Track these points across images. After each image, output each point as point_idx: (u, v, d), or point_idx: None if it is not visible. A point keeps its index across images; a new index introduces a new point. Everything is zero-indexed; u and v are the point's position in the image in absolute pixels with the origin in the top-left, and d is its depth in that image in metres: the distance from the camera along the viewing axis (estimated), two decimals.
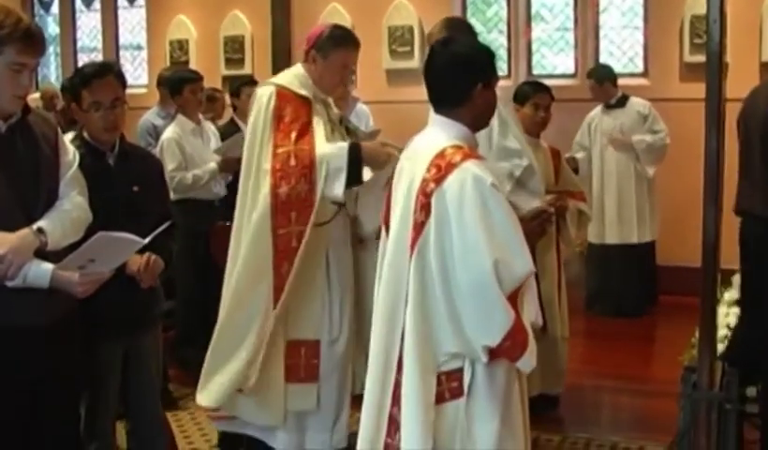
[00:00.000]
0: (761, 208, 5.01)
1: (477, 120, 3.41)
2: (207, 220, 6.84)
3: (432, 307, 3.18)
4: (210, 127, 7.44)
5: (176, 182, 6.97)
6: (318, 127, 4.72)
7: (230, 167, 6.72)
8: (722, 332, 5.66)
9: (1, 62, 3.42)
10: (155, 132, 7.86)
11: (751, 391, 4.48)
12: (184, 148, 7.04)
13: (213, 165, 7.01)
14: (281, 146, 4.61)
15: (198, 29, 11.53)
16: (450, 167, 3.17)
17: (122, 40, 12.47)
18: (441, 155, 3.23)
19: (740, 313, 5.36)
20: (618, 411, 6.31)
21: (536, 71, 10.23)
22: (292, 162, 4.56)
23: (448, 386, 3.21)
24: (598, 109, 8.86)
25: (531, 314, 3.23)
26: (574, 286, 8.18)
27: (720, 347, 5.56)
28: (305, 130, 4.68)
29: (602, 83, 8.77)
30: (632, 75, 9.67)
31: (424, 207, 3.19)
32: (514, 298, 3.13)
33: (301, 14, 10.74)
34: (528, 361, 3.18)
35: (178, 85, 7.15)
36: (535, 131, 5.73)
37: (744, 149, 5.15)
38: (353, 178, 4.58)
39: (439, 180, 3.17)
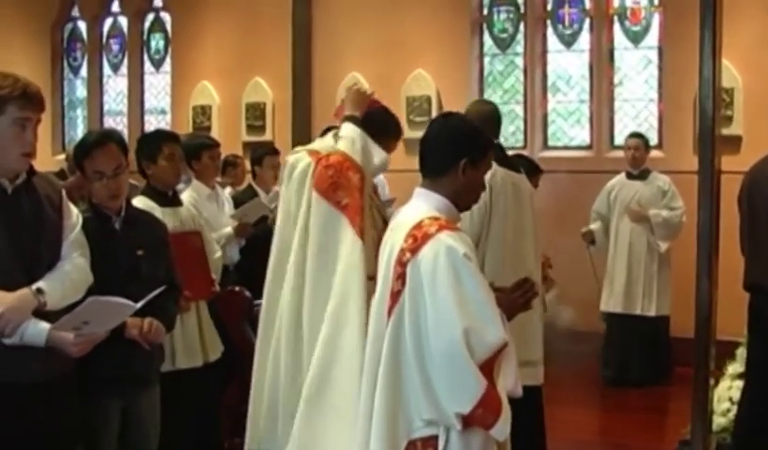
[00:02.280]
0: None
1: (459, 196, 3.44)
2: (221, 285, 6.90)
3: (406, 374, 3.22)
4: (224, 193, 7.54)
5: None
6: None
7: (245, 232, 6.82)
8: (724, 406, 5.67)
9: (5, 120, 3.55)
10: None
11: None
12: (200, 213, 7.13)
13: (228, 229, 7.09)
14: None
15: (220, 95, 11.72)
16: (426, 237, 3.23)
17: (147, 105, 12.72)
18: (418, 225, 3.29)
19: (744, 387, 5.35)
20: None
21: (551, 142, 10.33)
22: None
23: None
24: (621, 177, 8.84)
25: (509, 384, 3.25)
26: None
27: (723, 420, 5.58)
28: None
29: (648, 149, 8.89)
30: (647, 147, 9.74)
31: (400, 276, 3.26)
32: (489, 367, 3.16)
33: (321, 82, 10.95)
34: (502, 429, 3.18)
35: (196, 151, 7.23)
36: None
37: (749, 224, 5.18)
38: None
39: (415, 250, 3.23)
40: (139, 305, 3.77)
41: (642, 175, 8.73)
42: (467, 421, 3.14)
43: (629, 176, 8.78)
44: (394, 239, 3.38)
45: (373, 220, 4.42)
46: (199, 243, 5.59)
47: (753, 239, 5.15)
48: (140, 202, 5.27)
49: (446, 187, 3.41)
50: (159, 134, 5.73)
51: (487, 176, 3.79)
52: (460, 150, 3.40)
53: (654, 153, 9.61)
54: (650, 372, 8.36)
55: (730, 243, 5.22)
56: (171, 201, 5.49)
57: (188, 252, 5.41)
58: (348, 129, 4.42)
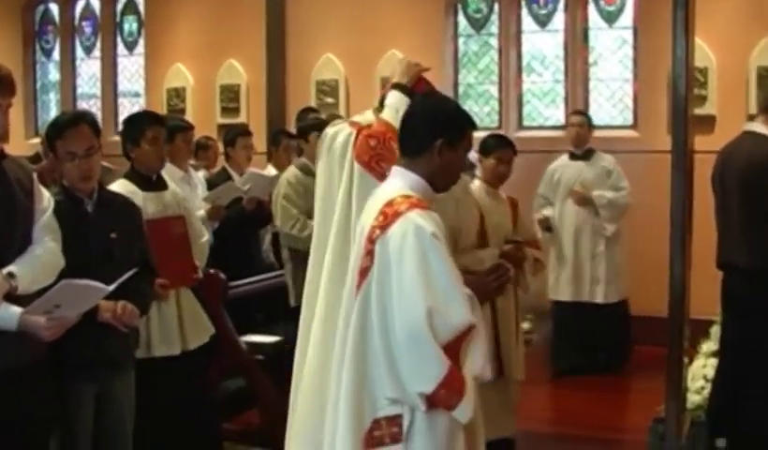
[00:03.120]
0: (743, 261, 5.07)
1: (435, 177, 3.42)
2: None
3: (371, 353, 3.21)
4: (197, 175, 7.51)
5: None
6: None
7: (219, 215, 6.78)
8: (699, 384, 5.71)
9: None
10: None
11: (721, 442, 4.48)
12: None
13: (201, 212, 7.06)
14: None
15: (194, 77, 11.66)
16: (396, 215, 3.22)
17: (120, 87, 12.63)
18: (390, 203, 3.28)
19: (717, 364, 5.40)
20: None
21: (526, 122, 10.33)
22: None
23: (388, 431, 3.21)
24: (563, 159, 8.47)
25: (476, 366, 3.25)
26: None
27: (697, 398, 5.62)
28: None
29: (591, 128, 8.48)
30: (622, 127, 9.77)
31: (369, 253, 3.25)
32: (455, 348, 3.15)
33: (295, 63, 10.93)
34: (465, 411, 3.17)
35: (170, 134, 7.21)
36: (495, 183, 5.84)
37: (720, 203, 5.23)
38: None
39: (384, 227, 3.23)
40: (111, 288, 3.75)
41: (586, 156, 8.33)
42: (431, 401, 3.14)
43: (572, 157, 8.40)
44: (367, 216, 3.37)
45: None
46: (183, 228, 5.49)
47: (724, 218, 5.21)
48: (121, 185, 5.24)
49: (422, 168, 3.39)
50: (143, 116, 5.63)
51: None
52: (436, 130, 3.38)
53: (629, 132, 9.67)
54: (611, 358, 8.19)
55: (703, 222, 5.25)
56: (155, 185, 5.39)
57: (170, 238, 5.36)
58: (395, 98, 4.24)
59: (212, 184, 7.36)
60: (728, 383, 5.17)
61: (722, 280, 5.23)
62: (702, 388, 5.58)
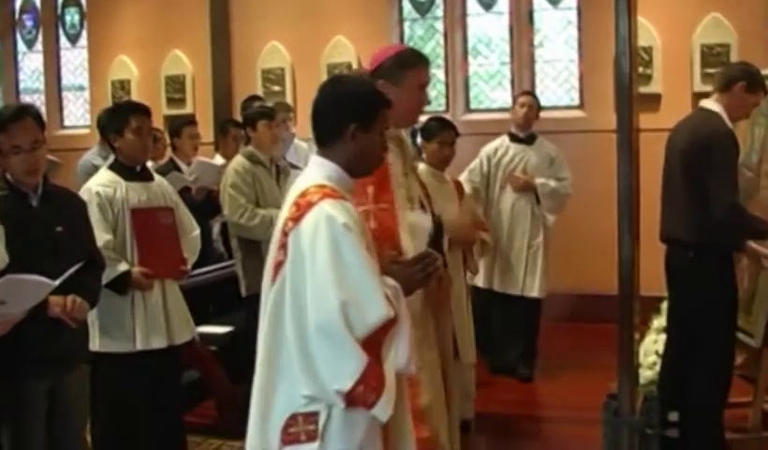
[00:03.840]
0: (685, 235, 5.15)
1: (351, 163, 3.30)
2: None
3: (286, 348, 3.10)
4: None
5: None
6: (398, 190, 4.14)
7: None
8: (651, 359, 5.77)
9: None
10: (96, 172, 7.85)
11: (674, 415, 4.51)
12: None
13: None
14: (358, 204, 3.94)
15: (139, 69, 11.56)
16: (308, 206, 3.11)
17: (64, 81, 12.50)
18: (303, 193, 3.18)
19: (666, 339, 5.46)
20: (546, 438, 6.37)
21: (473, 105, 10.37)
22: (372, 225, 3.95)
23: (304, 428, 3.11)
24: (503, 140, 7.81)
25: (400, 361, 3.13)
26: None
27: (650, 373, 5.68)
28: (383, 183, 4.08)
29: (538, 111, 7.94)
30: (568, 108, 9.83)
31: (283, 247, 3.14)
32: (377, 343, 3.05)
33: (240, 53, 10.87)
34: (384, 409, 3.06)
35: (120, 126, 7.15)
36: (440, 166, 5.85)
37: (665, 179, 5.30)
38: None
39: (297, 219, 3.12)
40: (57, 282, 3.71)
41: (529, 140, 7.79)
42: (348, 399, 3.02)
43: (514, 139, 7.78)
44: (284, 208, 3.27)
45: None
46: (171, 220, 5.46)
47: (667, 193, 5.34)
48: (104, 175, 5.28)
49: (338, 155, 3.28)
50: (128, 106, 5.58)
51: None
52: (347, 115, 3.27)
53: (575, 113, 9.73)
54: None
55: (651, 200, 5.30)
56: (140, 175, 5.37)
57: (157, 228, 5.35)
58: None
59: (159, 174, 7.29)
60: (676, 357, 5.24)
61: (666, 255, 5.32)
62: (654, 363, 5.65)
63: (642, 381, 5.72)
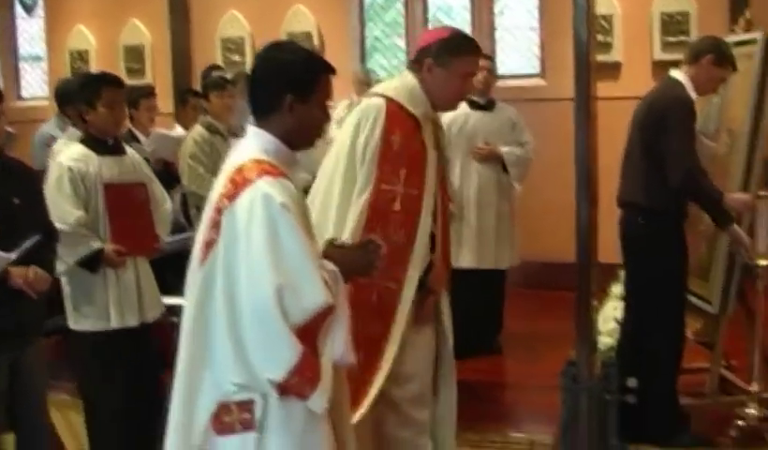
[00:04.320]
0: (641, 199, 5.19)
1: (290, 135, 3.13)
2: None
3: (215, 333, 2.95)
4: None
5: None
6: (430, 169, 4.10)
7: None
8: (611, 325, 5.82)
9: None
10: (53, 144, 7.78)
11: (632, 381, 4.56)
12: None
13: None
14: (387, 183, 3.99)
15: (97, 39, 11.46)
16: (245, 183, 2.94)
17: (21, 51, 12.39)
18: (239, 169, 3.00)
19: (624, 306, 5.51)
20: (507, 405, 6.40)
21: None
22: (396, 207, 3.97)
23: (239, 417, 2.96)
24: (463, 109, 7.26)
25: (337, 351, 3.02)
26: None
27: (609, 340, 5.73)
28: (416, 167, 4.05)
29: (495, 77, 7.76)
30: (529, 76, 9.83)
31: (216, 225, 2.97)
32: (312, 331, 2.92)
33: (199, 22, 10.79)
34: (318, 401, 2.94)
35: (70, 96, 7.09)
36: None
37: (627, 144, 5.36)
38: None
39: (232, 197, 2.94)
40: (14, 256, 3.69)
41: (489, 106, 7.51)
42: (282, 389, 2.90)
43: (474, 106, 7.43)
44: (219, 182, 3.09)
45: None
46: (144, 195, 5.39)
47: (625, 159, 5.43)
48: (75, 150, 5.18)
49: (275, 127, 3.11)
50: (100, 78, 5.42)
51: None
52: (283, 86, 3.09)
53: (536, 81, 9.73)
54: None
55: (612, 169, 5.34)
56: (112, 149, 5.27)
57: (129, 205, 5.28)
58: None
59: None
60: (633, 324, 5.29)
61: (620, 219, 5.37)
62: (614, 330, 5.69)
63: (601, 347, 5.75)
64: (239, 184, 2.95)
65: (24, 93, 12.31)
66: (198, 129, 6.54)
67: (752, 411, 5.37)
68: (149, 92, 8.00)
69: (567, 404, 4.61)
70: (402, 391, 4.09)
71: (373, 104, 4.07)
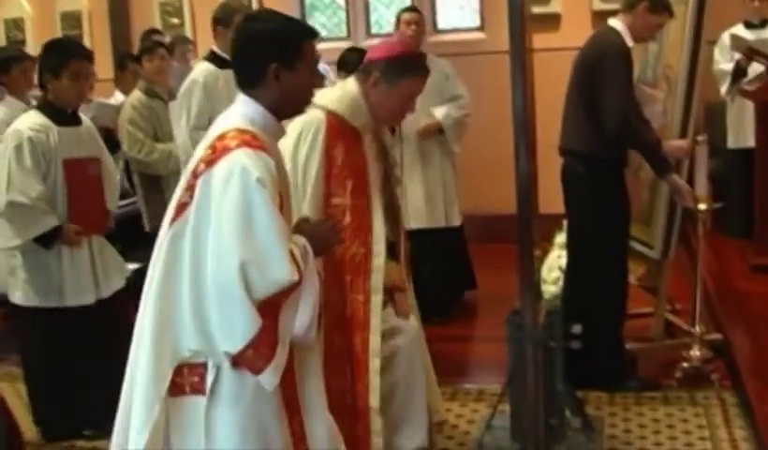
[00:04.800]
0: (581, 147, 5.24)
1: (279, 104, 3.12)
2: None
3: (177, 297, 2.96)
4: None
5: None
6: (373, 179, 4.17)
7: None
8: (555, 274, 5.85)
9: None
10: None
11: (576, 328, 4.62)
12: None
13: None
14: (336, 196, 4.06)
15: (33, 6, 11.22)
16: (224, 151, 2.93)
17: None
18: (221, 136, 3.00)
19: (567, 254, 5.55)
20: (458, 357, 6.44)
21: (374, 30, 10.26)
22: (347, 219, 4.03)
23: (189, 380, 2.98)
24: None
25: (301, 326, 3.01)
26: None
27: (554, 288, 5.77)
28: (360, 178, 4.11)
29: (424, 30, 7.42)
30: (468, 30, 9.80)
31: (190, 188, 2.97)
32: (274, 305, 2.91)
33: None
34: (271, 377, 2.93)
35: (5, 65, 6.98)
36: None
37: (567, 93, 5.39)
38: None
39: (210, 163, 2.94)
40: None
41: None
42: (236, 360, 2.92)
43: None
44: (199, 147, 3.10)
45: None
46: (97, 170, 5.32)
47: (565, 108, 5.45)
48: (32, 117, 5.12)
49: (263, 97, 3.10)
50: (68, 48, 5.31)
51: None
52: (266, 55, 3.07)
53: (475, 34, 9.70)
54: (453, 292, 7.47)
55: (551, 120, 5.37)
56: (70, 119, 5.20)
57: (85, 181, 5.22)
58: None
59: None
60: (576, 271, 5.33)
61: (561, 168, 5.41)
62: (558, 279, 5.72)
63: (546, 296, 5.80)
64: (218, 150, 2.94)
65: None
66: (136, 94, 6.48)
67: (696, 352, 5.46)
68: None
69: (512, 353, 4.67)
70: None
71: (314, 118, 4.06)
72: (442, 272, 7.09)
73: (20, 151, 4.99)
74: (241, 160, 2.89)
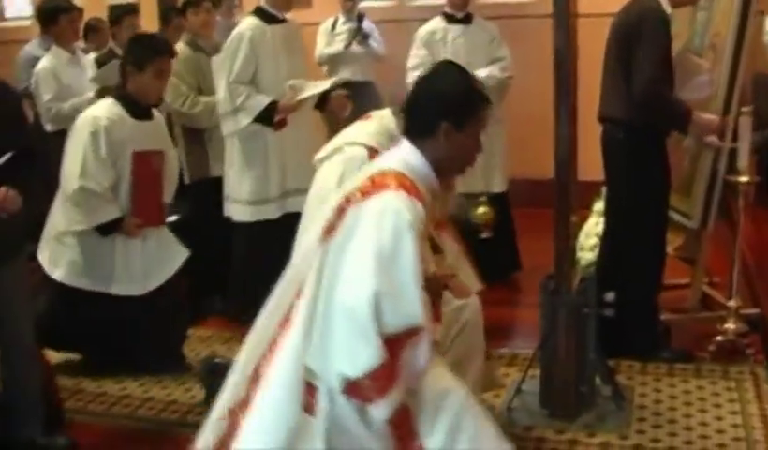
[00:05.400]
0: (620, 114, 5.19)
1: (441, 162, 3.20)
2: None
3: (315, 313, 3.01)
4: (86, 58, 7.37)
5: (53, 113, 6.97)
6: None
7: (107, 96, 6.65)
8: (592, 241, 5.85)
9: None
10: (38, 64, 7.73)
11: (610, 296, 4.61)
12: (60, 79, 6.98)
13: (90, 94, 6.94)
14: None
15: None
16: (383, 187, 3.02)
17: None
18: (382, 173, 3.09)
19: (604, 221, 5.54)
20: (489, 321, 6.42)
21: None
22: None
23: (305, 399, 3.01)
24: (438, 22, 7.05)
25: (416, 370, 2.97)
26: None
27: (591, 255, 5.77)
28: None
29: None
30: None
31: (341, 212, 3.06)
32: (399, 344, 2.89)
33: None
34: (384, 410, 2.90)
35: (53, 15, 7.06)
36: None
37: (605, 59, 5.33)
38: None
39: (366, 194, 3.02)
40: None
41: (467, 19, 7.05)
42: (349, 387, 2.89)
43: (451, 19, 7.02)
44: (357, 177, 3.20)
45: None
46: (160, 163, 5.45)
47: (604, 74, 5.35)
48: (108, 107, 5.26)
49: (429, 152, 3.18)
50: (156, 45, 5.40)
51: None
52: (439, 113, 3.16)
53: None
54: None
55: (592, 87, 5.31)
56: (145, 113, 5.37)
57: (149, 173, 5.35)
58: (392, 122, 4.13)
59: (100, 64, 7.22)
60: (613, 238, 5.32)
61: (602, 135, 5.36)
62: (595, 246, 5.72)
63: (583, 263, 5.81)
64: (377, 185, 3.04)
65: (8, 13, 12.15)
66: (180, 47, 6.47)
67: (731, 326, 5.42)
68: (132, 9, 7.92)
69: (545, 318, 4.67)
70: None
71: (355, 155, 4.06)
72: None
73: (96, 138, 5.13)
74: (396, 201, 2.98)
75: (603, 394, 4.76)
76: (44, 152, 6.37)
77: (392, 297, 2.85)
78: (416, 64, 6.82)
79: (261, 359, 3.14)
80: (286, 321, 3.11)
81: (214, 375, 4.71)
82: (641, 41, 4.99)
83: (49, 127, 7.05)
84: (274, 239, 4.41)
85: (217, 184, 6.29)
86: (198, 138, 6.34)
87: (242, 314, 4.17)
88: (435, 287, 3.23)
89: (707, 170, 5.55)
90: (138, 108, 5.28)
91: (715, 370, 5.20)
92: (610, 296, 4.61)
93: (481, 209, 6.00)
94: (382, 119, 4.23)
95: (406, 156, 3.19)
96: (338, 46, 8.24)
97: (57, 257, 5.32)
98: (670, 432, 4.50)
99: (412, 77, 6.43)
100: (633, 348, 5.31)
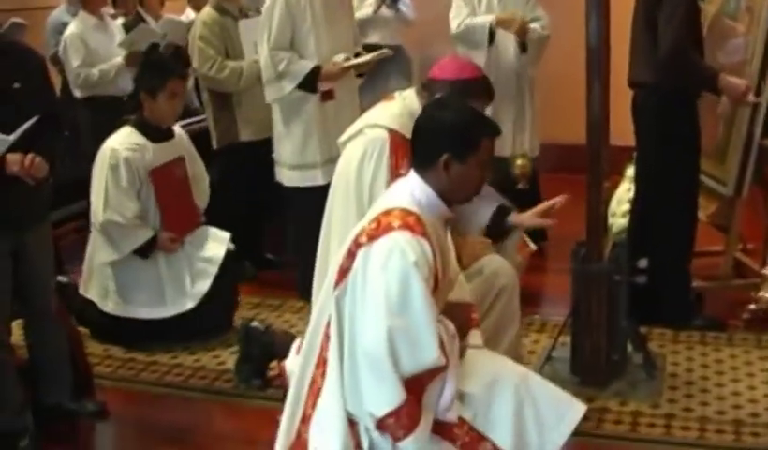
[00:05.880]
0: (650, 78, 5.11)
1: (445, 192, 3.20)
2: (115, 116, 6.74)
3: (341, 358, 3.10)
4: (114, 23, 7.35)
5: (82, 79, 6.96)
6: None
7: (136, 60, 6.60)
8: (624, 207, 5.79)
9: None
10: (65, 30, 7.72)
11: (642, 262, 4.55)
12: (87, 44, 6.97)
13: (118, 59, 6.94)
14: None
15: None
16: (387, 229, 3.04)
17: None
18: (388, 212, 3.11)
19: (635, 187, 5.47)
20: (523, 287, 6.39)
21: None
22: None
23: (351, 440, 3.08)
24: None
25: (442, 406, 3.07)
26: None
27: (623, 221, 5.70)
28: None
29: None
30: None
31: (351, 256, 3.10)
32: (420, 384, 2.98)
33: None
34: (411, 447, 2.98)
35: None
36: None
37: (633, 23, 5.24)
38: None
39: (372, 238, 3.06)
40: (12, 138, 3.65)
41: None
42: (378, 425, 2.99)
43: None
44: (367, 215, 3.25)
45: None
46: (183, 169, 5.48)
47: (632, 38, 5.25)
48: (127, 135, 5.29)
49: (432, 181, 3.19)
50: (166, 68, 5.39)
51: None
52: (441, 144, 3.16)
53: None
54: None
55: (623, 53, 5.23)
56: (165, 135, 5.41)
57: (172, 183, 5.39)
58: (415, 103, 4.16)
59: (128, 28, 7.21)
60: (644, 205, 5.24)
61: (632, 100, 5.28)
62: (627, 212, 5.66)
63: (615, 229, 5.75)
64: (382, 227, 3.06)
65: None
66: (207, 11, 6.42)
67: (765, 294, 5.35)
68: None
69: (576, 285, 4.62)
70: None
71: (377, 137, 4.11)
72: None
73: (116, 171, 5.18)
74: (400, 242, 3.00)
75: (635, 362, 4.71)
76: (71, 119, 6.39)
77: (407, 337, 2.92)
78: (456, 15, 6.56)
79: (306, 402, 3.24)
80: (322, 363, 3.19)
81: (248, 338, 4.77)
82: (663, 3, 4.89)
83: (78, 94, 7.05)
84: (322, 206, 4.38)
85: (246, 148, 6.26)
86: (226, 102, 6.30)
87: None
88: (459, 315, 3.31)
89: (743, 133, 5.45)
90: (158, 132, 5.34)
91: (748, 339, 5.14)
92: (643, 263, 4.54)
93: (520, 161, 6.14)
94: (405, 100, 4.21)
95: (411, 188, 3.20)
96: (367, 10, 8.17)
97: (104, 289, 5.39)
98: (702, 401, 4.46)
99: (455, 25, 6.49)
100: (665, 316, 5.25)
